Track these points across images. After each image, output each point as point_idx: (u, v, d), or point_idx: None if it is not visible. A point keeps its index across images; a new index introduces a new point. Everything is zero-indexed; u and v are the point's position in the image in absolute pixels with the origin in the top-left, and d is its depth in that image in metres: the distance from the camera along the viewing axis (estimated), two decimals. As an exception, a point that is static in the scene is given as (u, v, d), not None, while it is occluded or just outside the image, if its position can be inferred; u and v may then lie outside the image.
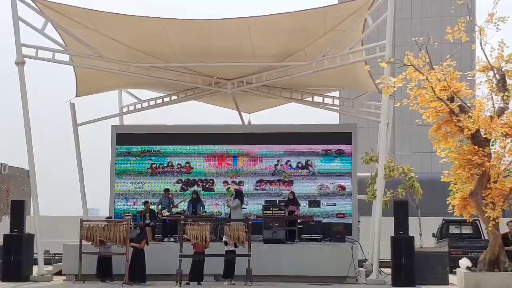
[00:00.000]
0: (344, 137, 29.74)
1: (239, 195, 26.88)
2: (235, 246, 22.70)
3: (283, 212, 26.27)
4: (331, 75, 28.14)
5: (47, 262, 26.79)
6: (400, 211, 23.45)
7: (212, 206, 29.31)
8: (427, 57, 16.88)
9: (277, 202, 27.72)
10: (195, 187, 29.83)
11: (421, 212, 25.53)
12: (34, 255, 25.04)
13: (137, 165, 30.51)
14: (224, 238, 22.85)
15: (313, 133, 29.94)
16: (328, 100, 31.60)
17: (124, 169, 30.50)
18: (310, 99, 31.63)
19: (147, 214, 26.83)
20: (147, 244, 23.19)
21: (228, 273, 22.59)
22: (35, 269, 24.74)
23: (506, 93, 16.65)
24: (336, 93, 33.63)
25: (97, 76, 28.96)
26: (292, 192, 28.03)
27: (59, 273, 25.27)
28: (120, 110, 33.32)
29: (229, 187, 29.22)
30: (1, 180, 42.39)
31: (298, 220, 27.08)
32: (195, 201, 27.35)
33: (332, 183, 29.49)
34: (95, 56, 27.17)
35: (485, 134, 16.52)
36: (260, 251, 23.69)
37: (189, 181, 30.22)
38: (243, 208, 27.38)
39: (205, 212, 27.61)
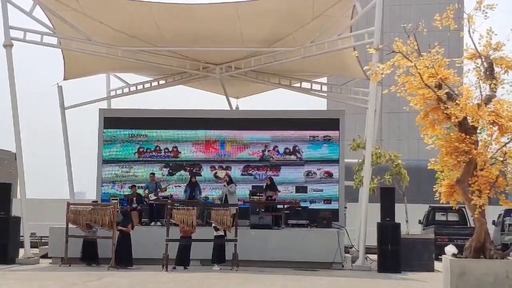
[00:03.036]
0: (332, 123, 29.78)
1: (232, 180, 27.04)
2: (225, 233, 22.79)
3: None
4: (320, 61, 28.12)
5: (34, 245, 26.75)
6: (386, 198, 23.55)
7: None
8: (415, 44, 16.85)
9: (264, 187, 27.73)
10: (182, 172, 29.88)
11: (408, 198, 25.63)
12: (21, 238, 25.01)
13: (124, 149, 30.46)
14: (214, 224, 22.90)
15: (301, 119, 29.96)
16: (316, 86, 31.64)
17: (111, 153, 30.43)
18: (298, 85, 31.67)
19: (134, 198, 26.81)
20: (133, 228, 23.22)
21: (219, 257, 22.67)
22: (21, 252, 24.74)
23: (494, 81, 16.63)
24: (324, 79, 33.66)
25: (85, 60, 28.84)
26: (270, 178, 28.11)
27: (45, 256, 25.27)
28: (108, 94, 33.24)
29: (216, 172, 29.19)
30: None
31: (285, 206, 27.17)
32: (193, 186, 27.33)
33: (319, 169, 29.56)
34: (83, 39, 27.05)
35: (472, 121, 16.51)
36: (247, 236, 23.75)
37: (176, 166, 30.21)
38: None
39: (201, 197, 27.59)
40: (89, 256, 23.50)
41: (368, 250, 24.91)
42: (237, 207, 23.67)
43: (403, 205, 25.10)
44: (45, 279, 19.62)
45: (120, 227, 22.80)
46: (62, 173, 31.14)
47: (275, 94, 35.89)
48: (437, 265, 22.98)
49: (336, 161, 29.47)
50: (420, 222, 31.48)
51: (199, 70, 30.35)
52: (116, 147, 30.50)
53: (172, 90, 33.97)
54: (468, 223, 29.19)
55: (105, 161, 30.40)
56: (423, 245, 24.01)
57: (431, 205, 30.62)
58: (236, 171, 29.76)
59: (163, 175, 29.93)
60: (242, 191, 28.81)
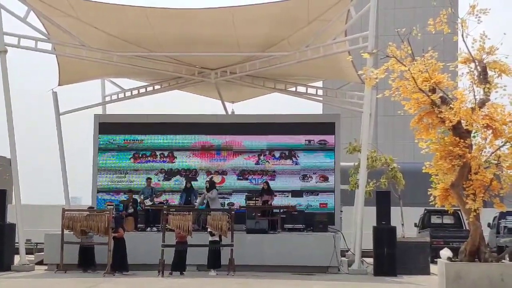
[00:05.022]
0: (328, 127, 29.78)
1: (212, 185, 26.99)
2: (220, 238, 22.78)
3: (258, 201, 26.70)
4: (315, 65, 28.14)
5: (29, 252, 26.77)
6: (382, 201, 23.57)
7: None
8: (409, 49, 16.90)
9: (260, 192, 27.73)
10: (178, 177, 29.90)
11: (403, 202, 25.64)
12: (16, 244, 24.96)
13: (119, 154, 30.44)
14: (209, 229, 22.89)
15: (296, 123, 29.98)
16: (311, 90, 31.64)
17: (107, 158, 30.43)
18: (293, 89, 31.68)
19: (130, 204, 26.78)
20: (124, 232, 23.15)
21: (214, 263, 22.65)
22: (16, 258, 24.68)
23: (487, 85, 16.73)
24: (319, 83, 33.66)
25: (79, 65, 28.82)
26: (266, 182, 28.09)
27: (40, 262, 25.20)
28: (103, 99, 33.23)
29: (212, 177, 29.17)
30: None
31: (281, 210, 27.18)
32: (189, 191, 27.33)
33: (315, 173, 29.55)
34: (77, 45, 27.07)
35: (466, 125, 16.57)
36: (243, 241, 23.74)
37: (172, 171, 30.20)
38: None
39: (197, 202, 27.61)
40: (86, 262, 23.46)
41: (364, 254, 24.91)
42: (233, 211, 23.65)
43: (398, 208, 25.12)
44: (40, 286, 19.63)
45: (112, 233, 22.75)
46: (58, 179, 31.11)
47: (270, 99, 35.94)
48: (433, 268, 22.98)
49: (331, 165, 29.47)
50: (415, 225, 31.48)
51: (195, 75, 30.36)
52: (111, 152, 30.49)
53: (168, 95, 34.00)
54: (464, 226, 29.17)
55: (101, 167, 30.39)
56: (418, 248, 24.02)
57: (427, 208, 30.61)
58: (232, 176, 29.78)
59: (159, 181, 29.92)
60: (238, 196, 28.87)
